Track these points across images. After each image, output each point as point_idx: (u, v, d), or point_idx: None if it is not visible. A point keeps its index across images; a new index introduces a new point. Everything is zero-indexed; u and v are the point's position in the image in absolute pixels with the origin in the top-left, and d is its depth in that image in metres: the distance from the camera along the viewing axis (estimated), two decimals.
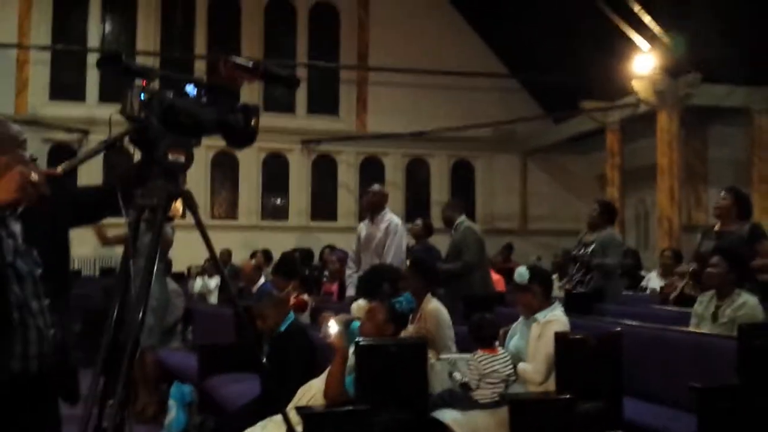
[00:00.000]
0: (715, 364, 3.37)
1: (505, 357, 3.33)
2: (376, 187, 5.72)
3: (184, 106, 1.87)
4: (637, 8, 8.90)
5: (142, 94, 1.78)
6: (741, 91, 9.75)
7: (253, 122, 1.96)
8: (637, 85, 9.50)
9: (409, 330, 3.72)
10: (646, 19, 8.97)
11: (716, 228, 4.68)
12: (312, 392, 3.26)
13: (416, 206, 12.83)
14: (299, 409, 2.96)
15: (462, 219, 5.79)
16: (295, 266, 5.45)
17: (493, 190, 14.14)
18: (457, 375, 3.25)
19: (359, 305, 4.43)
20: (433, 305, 4.13)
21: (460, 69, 11.70)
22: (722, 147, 10.66)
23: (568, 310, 4.94)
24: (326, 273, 7.15)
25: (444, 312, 4.14)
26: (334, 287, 6.43)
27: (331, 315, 3.94)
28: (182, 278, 8.29)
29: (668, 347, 3.75)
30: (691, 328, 4.09)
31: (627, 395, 3.44)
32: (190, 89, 1.88)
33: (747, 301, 3.89)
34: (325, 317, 3.58)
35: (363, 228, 5.47)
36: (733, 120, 10.24)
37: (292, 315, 3.89)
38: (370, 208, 5.45)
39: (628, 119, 10.80)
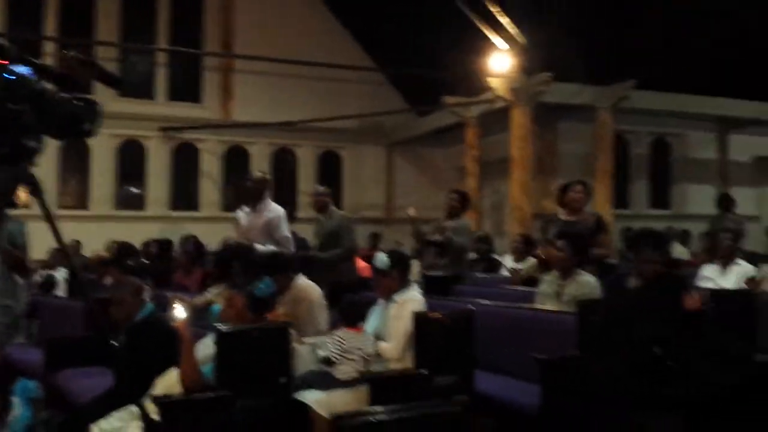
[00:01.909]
0: (558, 338, 3.65)
1: (367, 336, 3.43)
2: (258, 174, 5.63)
3: (49, 92, 1.73)
4: (495, 9, 9.35)
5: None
6: (588, 90, 10.49)
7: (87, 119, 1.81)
8: (494, 82, 9.98)
9: (279, 312, 3.73)
10: (504, 20, 9.45)
11: (565, 217, 5.05)
12: (171, 381, 3.19)
13: (282, 196, 12.71)
14: (156, 399, 2.88)
15: (332, 207, 5.98)
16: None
17: (360, 180, 14.33)
18: (320, 351, 3.32)
19: (216, 291, 4.37)
20: (302, 286, 4.16)
21: (328, 60, 11.72)
22: (570, 141, 11.42)
23: (428, 292, 5.16)
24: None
25: (316, 292, 4.18)
26: (190, 279, 6.03)
27: (178, 297, 3.86)
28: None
29: (517, 324, 4.01)
30: (537, 306, 4.41)
31: (480, 369, 3.66)
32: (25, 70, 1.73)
33: (587, 281, 4.25)
34: (171, 299, 3.51)
35: (243, 217, 5.35)
36: (580, 116, 10.99)
37: (150, 305, 3.76)
38: (254, 196, 5.31)
39: (485, 114, 11.30)
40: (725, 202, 8.64)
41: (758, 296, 4.53)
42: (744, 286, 5.21)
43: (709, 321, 3.88)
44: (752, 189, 12.65)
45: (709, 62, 10.01)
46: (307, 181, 13.58)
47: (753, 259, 6.07)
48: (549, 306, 4.32)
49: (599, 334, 3.55)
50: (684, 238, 10.60)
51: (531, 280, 5.49)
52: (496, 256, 7.59)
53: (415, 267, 6.73)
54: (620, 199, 11.72)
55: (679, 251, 9.78)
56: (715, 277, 5.42)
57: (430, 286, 5.31)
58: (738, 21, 9.56)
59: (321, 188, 6.17)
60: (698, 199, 12.16)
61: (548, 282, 4.47)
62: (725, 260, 5.58)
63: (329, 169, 14.15)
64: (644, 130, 12.58)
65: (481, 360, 3.71)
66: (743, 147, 12.76)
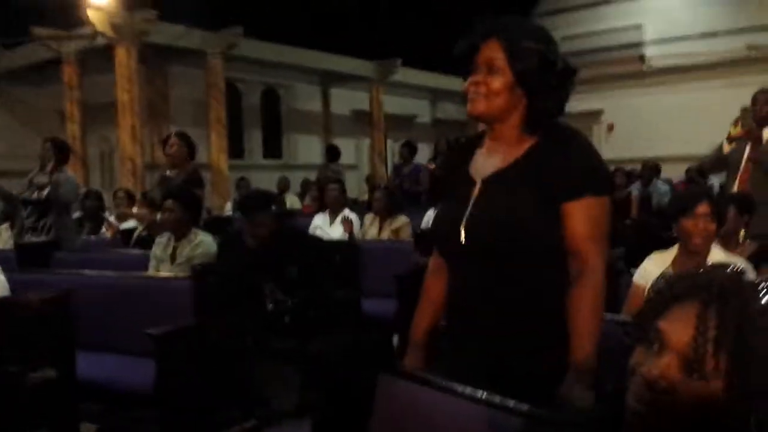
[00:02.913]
0: (175, 307, 3.40)
1: None
2: None
3: None
4: None
5: None
6: (197, 34, 10.14)
7: None
8: (93, 15, 8.96)
9: None
10: None
11: (169, 172, 4.75)
12: None
13: None
14: None
15: None
16: None
17: None
18: None
19: None
20: None
21: None
22: (183, 87, 11.01)
23: (21, 264, 4.40)
24: None
25: None
26: None
27: None
28: None
29: (127, 294, 3.63)
30: (150, 272, 4.08)
31: (87, 351, 3.23)
32: None
33: (203, 240, 4.05)
34: None
35: None
36: (191, 61, 10.62)
37: None
38: None
39: (86, 51, 10.17)
40: (330, 153, 9.28)
41: (361, 244, 4.89)
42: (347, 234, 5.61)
43: (321, 271, 4.03)
44: (351, 140, 13.92)
45: (312, 16, 10.51)
46: None
47: (354, 206, 6.60)
48: (164, 271, 4.03)
49: (215, 297, 3.42)
50: (302, 187, 11.13)
51: (144, 241, 5.10)
52: (108, 215, 6.92)
53: (4, 233, 5.77)
54: (235, 149, 11.79)
55: (291, 201, 10.26)
56: (324, 227, 5.73)
57: (23, 257, 4.56)
58: None
59: None
60: (306, 148, 12.92)
61: (161, 244, 4.16)
62: (334, 211, 5.93)
63: None
64: (255, 80, 12.79)
65: (88, 340, 3.28)
66: (343, 100, 13.89)
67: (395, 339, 4.18)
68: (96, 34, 9.28)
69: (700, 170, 6.21)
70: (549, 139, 1.70)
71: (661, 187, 8.21)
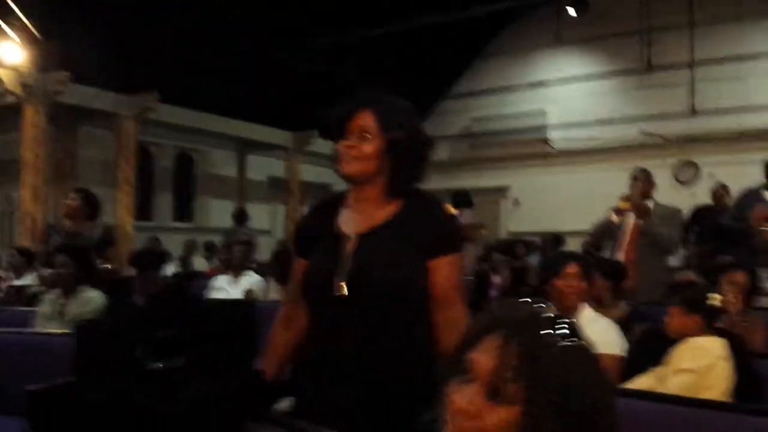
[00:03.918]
0: (55, 363, 3.28)
1: None
2: None
3: None
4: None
5: None
6: (110, 96, 10.06)
7: None
8: (3, 74, 8.80)
9: None
10: (16, 7, 8.40)
11: (68, 227, 4.66)
12: None
13: None
14: None
15: None
16: None
17: None
18: None
19: None
20: None
21: None
22: (92, 147, 10.81)
23: None
24: None
25: None
26: None
27: None
28: None
29: (9, 351, 3.49)
30: (37, 329, 3.94)
31: None
32: None
33: (92, 297, 3.97)
34: None
35: None
36: (102, 122, 10.48)
37: None
38: None
39: None
40: (239, 217, 9.26)
41: (258, 304, 4.87)
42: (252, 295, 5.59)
43: (215, 329, 3.98)
44: (266, 205, 13.91)
45: (231, 85, 10.65)
46: None
47: (264, 269, 6.58)
48: (53, 327, 3.91)
49: (99, 355, 3.32)
50: (207, 250, 10.99)
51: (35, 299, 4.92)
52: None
53: None
54: (143, 211, 11.57)
55: (199, 263, 10.11)
56: (227, 287, 5.68)
57: None
58: (254, 50, 10.41)
59: None
60: (219, 213, 12.81)
61: (50, 301, 4.04)
62: (236, 271, 5.91)
63: None
64: (169, 143, 12.71)
65: None
66: (259, 167, 13.94)
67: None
68: (6, 92, 9.07)
69: (593, 243, 6.58)
70: (414, 202, 1.88)
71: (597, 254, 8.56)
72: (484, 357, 1.06)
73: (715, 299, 2.64)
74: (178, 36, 9.43)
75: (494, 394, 1.02)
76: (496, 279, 7.37)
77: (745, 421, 2.02)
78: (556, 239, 9.98)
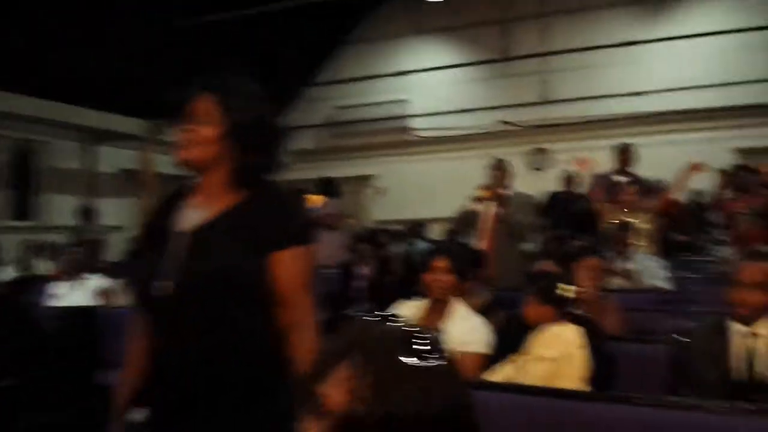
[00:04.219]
0: None
1: None
2: None
3: None
4: None
5: None
6: None
7: None
8: None
9: None
10: None
11: None
12: None
13: None
14: None
15: None
16: None
17: None
18: None
19: None
20: None
21: None
22: None
23: None
24: None
25: None
26: None
27: None
28: None
29: None
30: None
31: None
32: None
33: None
34: None
35: None
36: None
37: None
38: None
39: None
40: (86, 213, 8.60)
41: (103, 310, 4.50)
42: (98, 300, 5.16)
43: (52, 341, 3.64)
44: (119, 200, 13.08)
45: (77, 72, 9.86)
46: None
47: (115, 270, 6.11)
48: None
49: None
50: (50, 251, 10.13)
51: None
52: None
53: None
54: None
55: (43, 266, 9.30)
56: (65, 294, 5.19)
57: None
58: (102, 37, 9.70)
59: None
60: (65, 209, 11.88)
61: None
62: (81, 273, 5.44)
63: None
64: (6, 135, 11.61)
65: None
66: (111, 158, 13.08)
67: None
68: None
69: (456, 230, 6.70)
70: (258, 194, 1.74)
71: (420, 245, 8.71)
72: (335, 391, 0.97)
73: (565, 290, 2.69)
74: (12, 14, 8.59)
75: (349, 428, 0.94)
76: (363, 269, 7.30)
77: (602, 409, 2.03)
78: (417, 227, 10.10)
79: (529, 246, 5.86)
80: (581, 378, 2.57)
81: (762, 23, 10.77)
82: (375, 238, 9.12)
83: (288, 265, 1.67)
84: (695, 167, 6.03)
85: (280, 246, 1.68)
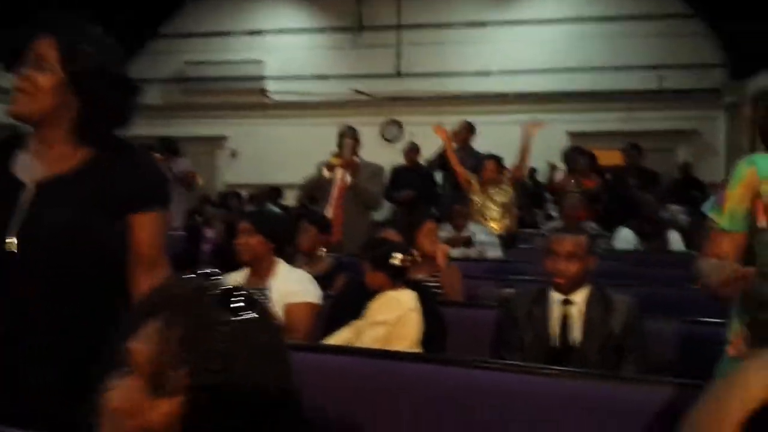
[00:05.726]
0: None
1: None
2: None
3: None
4: None
5: None
6: None
7: None
8: None
9: None
10: None
11: None
12: None
13: None
14: None
15: None
16: None
17: None
18: None
19: None
20: None
21: None
22: None
23: None
24: None
25: None
26: None
27: None
28: None
29: None
30: None
31: None
32: None
33: None
34: None
35: None
36: None
37: None
38: None
39: None
40: None
41: None
42: None
43: None
44: None
45: None
46: None
47: None
48: None
49: None
50: None
51: None
52: None
53: None
54: None
55: None
56: None
57: None
58: None
59: None
60: None
61: None
62: None
63: None
64: None
65: None
66: None
67: None
68: None
69: (305, 196, 6.69)
70: (111, 151, 1.64)
71: (272, 210, 8.61)
72: (142, 345, 0.94)
73: (396, 258, 2.82)
74: None
75: (157, 386, 0.91)
76: (209, 233, 7.13)
77: (432, 370, 2.16)
78: (271, 192, 10.00)
79: (376, 215, 6.01)
80: (414, 340, 2.71)
81: (598, 14, 11.63)
82: (225, 201, 8.93)
83: (149, 228, 1.62)
84: (533, 126, 6.41)
85: (140, 208, 1.62)
